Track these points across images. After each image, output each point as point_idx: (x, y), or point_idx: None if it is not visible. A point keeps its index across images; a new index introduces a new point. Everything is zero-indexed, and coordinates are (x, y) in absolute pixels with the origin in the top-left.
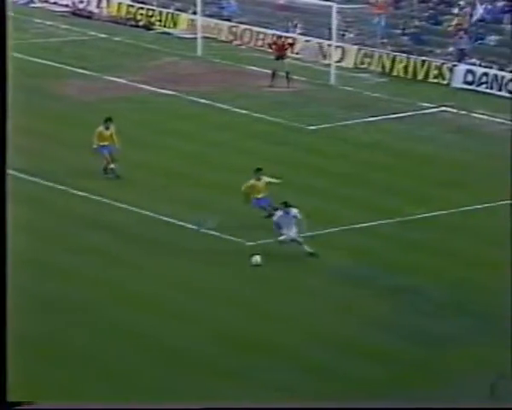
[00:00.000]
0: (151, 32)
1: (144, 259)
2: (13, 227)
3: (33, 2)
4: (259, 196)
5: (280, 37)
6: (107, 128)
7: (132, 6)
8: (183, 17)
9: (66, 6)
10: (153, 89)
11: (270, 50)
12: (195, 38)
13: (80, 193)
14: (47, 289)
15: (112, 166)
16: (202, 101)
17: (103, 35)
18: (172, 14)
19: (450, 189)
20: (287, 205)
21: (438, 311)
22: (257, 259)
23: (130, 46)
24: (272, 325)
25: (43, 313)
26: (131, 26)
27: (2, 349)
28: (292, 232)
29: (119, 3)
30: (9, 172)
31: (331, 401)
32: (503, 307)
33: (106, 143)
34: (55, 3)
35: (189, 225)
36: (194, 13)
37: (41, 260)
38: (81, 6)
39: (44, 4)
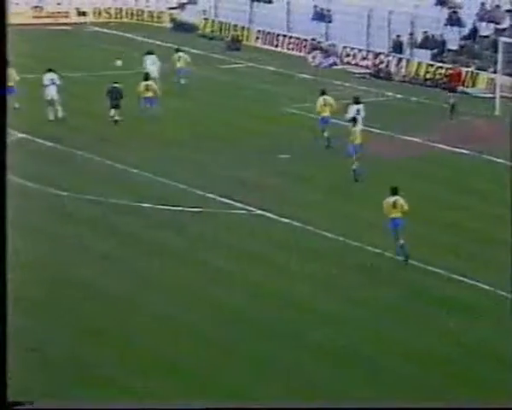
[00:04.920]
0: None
1: None
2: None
3: (336, 65)
4: None
5: None
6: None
7: (432, 65)
8: (483, 76)
9: (367, 67)
10: (449, 148)
11: None
12: (494, 98)
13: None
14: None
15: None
16: (497, 160)
17: (400, 95)
18: (472, 72)
19: None
20: None
21: None
22: None
23: (425, 106)
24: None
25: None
26: (429, 86)
27: (2, 349)
28: None
29: (419, 63)
30: None
31: (333, 401)
32: None
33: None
34: (356, 65)
35: None
36: (495, 72)
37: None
38: (381, 66)
39: (346, 66)
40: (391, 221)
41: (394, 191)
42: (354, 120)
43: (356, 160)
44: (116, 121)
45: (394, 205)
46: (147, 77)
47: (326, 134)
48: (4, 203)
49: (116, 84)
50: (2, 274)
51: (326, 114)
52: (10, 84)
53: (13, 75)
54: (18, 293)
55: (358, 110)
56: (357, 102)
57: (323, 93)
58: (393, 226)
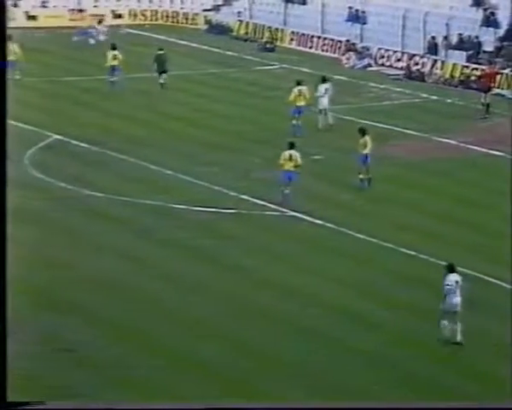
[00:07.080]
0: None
1: None
2: None
3: (371, 66)
4: None
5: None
6: None
7: (467, 67)
8: None
9: (401, 69)
10: (483, 150)
11: None
12: None
13: None
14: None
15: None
16: None
17: (435, 97)
18: (507, 74)
19: None
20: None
21: None
22: None
23: (460, 108)
24: None
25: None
26: (464, 87)
27: (3, 350)
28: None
29: (454, 64)
30: None
31: (334, 402)
32: None
33: None
34: (390, 66)
35: None
36: None
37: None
38: (415, 68)
39: (380, 68)
40: (284, 173)
41: (291, 145)
42: (363, 130)
43: (365, 171)
44: (162, 85)
45: (290, 158)
46: (114, 47)
47: (295, 122)
48: (4, 202)
49: (161, 51)
50: (3, 273)
51: (301, 103)
52: (11, 58)
53: (14, 49)
54: (51, 293)
55: (326, 89)
56: (324, 80)
57: (299, 83)
58: (286, 177)
